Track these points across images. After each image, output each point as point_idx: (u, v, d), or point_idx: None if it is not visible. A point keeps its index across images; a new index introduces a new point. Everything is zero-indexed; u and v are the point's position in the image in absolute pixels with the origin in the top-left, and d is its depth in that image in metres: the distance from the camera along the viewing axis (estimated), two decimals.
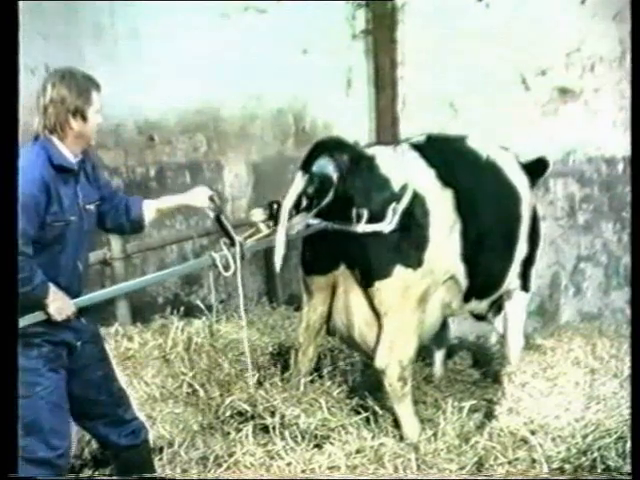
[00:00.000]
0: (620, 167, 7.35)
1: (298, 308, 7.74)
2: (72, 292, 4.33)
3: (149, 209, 4.77)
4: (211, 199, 4.77)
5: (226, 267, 4.81)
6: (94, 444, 5.13)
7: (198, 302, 7.09)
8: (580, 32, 7.38)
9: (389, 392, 5.50)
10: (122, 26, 8.49)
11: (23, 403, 4.10)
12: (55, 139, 4.29)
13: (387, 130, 7.88)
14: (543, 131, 7.39)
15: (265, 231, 5.15)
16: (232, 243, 4.86)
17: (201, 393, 5.81)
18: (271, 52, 8.06)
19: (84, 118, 4.30)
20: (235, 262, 4.81)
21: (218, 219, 4.87)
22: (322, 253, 5.48)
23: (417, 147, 5.61)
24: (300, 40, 8.09)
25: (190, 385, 5.87)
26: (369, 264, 5.33)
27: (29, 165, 4.14)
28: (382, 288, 5.33)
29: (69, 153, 4.33)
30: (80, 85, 4.31)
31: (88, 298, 4.53)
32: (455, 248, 5.50)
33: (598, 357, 5.78)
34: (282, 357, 6.31)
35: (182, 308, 6.93)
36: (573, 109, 7.51)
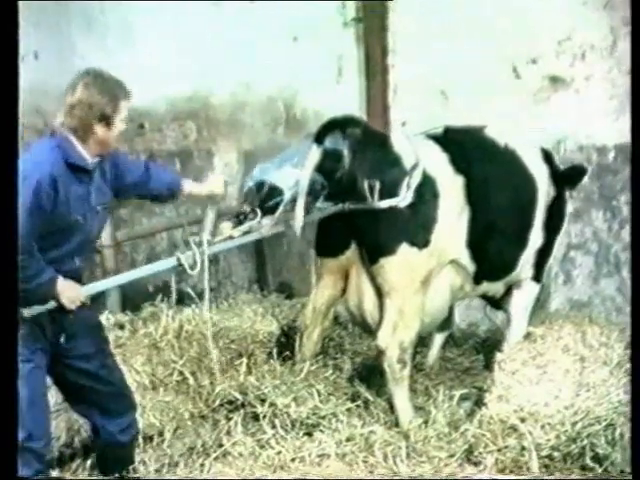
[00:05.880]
0: (611, 156, 7.34)
1: (289, 296, 7.77)
2: None
3: (186, 189, 4.91)
4: (225, 184, 4.99)
5: (192, 266, 4.85)
6: (84, 433, 5.14)
7: (189, 290, 7.08)
8: (571, 20, 7.35)
9: (387, 373, 5.52)
10: (112, 14, 8.46)
11: None
12: (74, 139, 4.23)
13: (378, 118, 7.85)
14: (534, 119, 7.36)
15: (236, 235, 5.17)
16: (201, 241, 4.90)
17: (191, 381, 5.81)
18: (261, 40, 8.04)
19: (109, 125, 4.25)
20: (202, 261, 4.86)
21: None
22: (334, 235, 5.55)
23: (433, 137, 5.70)
24: (290, 28, 8.05)
25: (180, 373, 5.87)
26: (375, 240, 5.38)
27: (40, 162, 4.12)
28: (386, 265, 5.37)
29: (87, 154, 4.28)
30: (111, 91, 4.26)
31: (101, 284, 4.71)
32: (462, 235, 5.55)
33: (588, 345, 5.77)
34: (273, 345, 6.32)
35: (173, 296, 6.92)
36: (564, 98, 7.49)
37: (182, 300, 7.03)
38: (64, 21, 8.38)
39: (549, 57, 7.43)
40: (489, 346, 6.81)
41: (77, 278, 4.40)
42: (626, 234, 7.21)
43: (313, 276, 5.84)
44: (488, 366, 6.22)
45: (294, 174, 5.27)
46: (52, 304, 4.27)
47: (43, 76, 7.95)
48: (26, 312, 4.20)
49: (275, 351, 6.14)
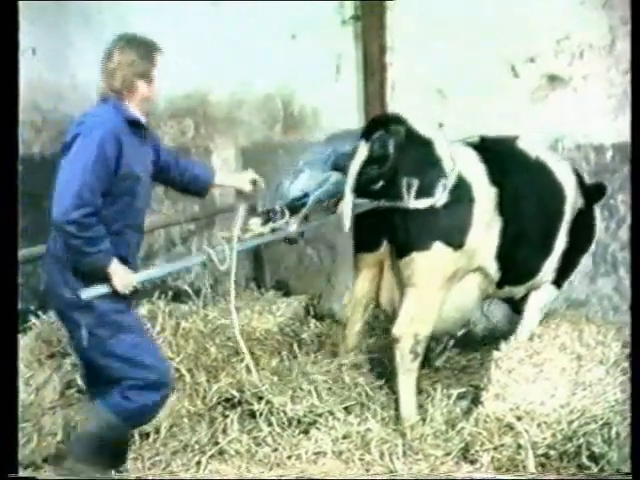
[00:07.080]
0: (609, 155, 7.33)
1: (286, 294, 7.77)
2: (136, 246, 4.65)
3: (217, 182, 5.16)
4: (253, 182, 5.11)
5: (222, 261, 4.89)
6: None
7: (186, 287, 7.09)
8: (569, 20, 7.34)
9: (397, 363, 5.55)
10: (110, 11, 8.45)
11: (116, 343, 4.47)
12: (125, 100, 4.49)
13: None
14: (532, 118, 7.37)
15: (265, 230, 5.21)
16: (230, 238, 4.95)
17: (188, 378, 5.81)
18: (260, 38, 8.03)
19: (150, 80, 4.55)
20: (231, 257, 4.89)
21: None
22: (370, 231, 5.63)
23: (471, 145, 5.79)
24: (289, 26, 8.05)
25: (177, 370, 5.87)
26: (410, 235, 5.44)
27: (102, 121, 4.34)
28: (417, 258, 5.42)
29: (138, 112, 4.55)
30: (146, 48, 4.58)
31: (146, 274, 4.78)
32: (492, 246, 5.60)
33: (584, 343, 5.78)
34: (270, 343, 6.32)
35: (170, 293, 6.92)
36: (562, 96, 7.49)
37: (179, 297, 7.03)
38: (62, 18, 8.36)
39: (547, 56, 7.43)
40: (486, 344, 6.82)
41: (138, 241, 4.67)
42: (623, 233, 7.21)
43: (352, 269, 5.97)
44: (485, 364, 6.22)
45: (317, 176, 5.37)
46: (104, 288, 4.37)
47: (40, 73, 7.94)
48: (84, 294, 4.31)
49: (274, 349, 6.15)
